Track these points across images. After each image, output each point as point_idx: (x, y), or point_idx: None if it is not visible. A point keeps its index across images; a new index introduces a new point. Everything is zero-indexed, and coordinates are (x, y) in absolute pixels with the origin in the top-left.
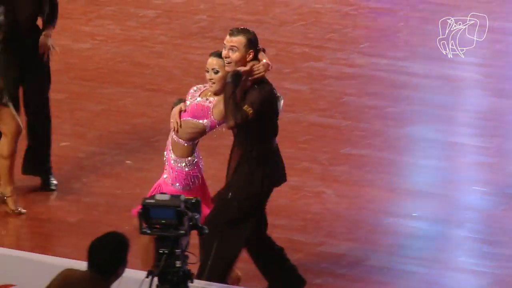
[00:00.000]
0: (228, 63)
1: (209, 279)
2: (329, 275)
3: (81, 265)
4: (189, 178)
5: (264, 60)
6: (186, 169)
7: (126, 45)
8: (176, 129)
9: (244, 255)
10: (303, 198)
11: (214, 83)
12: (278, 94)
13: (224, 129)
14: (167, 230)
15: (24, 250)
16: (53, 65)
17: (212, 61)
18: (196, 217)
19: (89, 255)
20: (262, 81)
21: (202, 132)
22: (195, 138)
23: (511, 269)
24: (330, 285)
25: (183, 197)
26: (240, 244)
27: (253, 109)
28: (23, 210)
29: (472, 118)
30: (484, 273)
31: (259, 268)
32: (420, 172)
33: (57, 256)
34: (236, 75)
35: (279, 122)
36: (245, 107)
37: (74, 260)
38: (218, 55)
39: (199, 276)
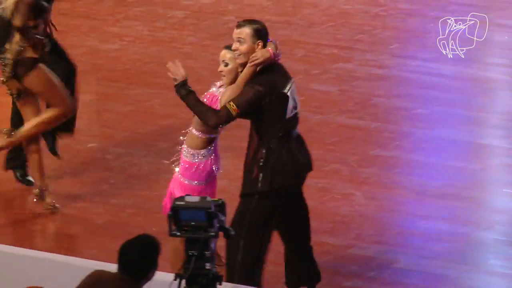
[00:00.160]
0: (238, 55)
1: (239, 281)
2: (358, 278)
3: (108, 267)
4: (197, 171)
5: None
6: (196, 160)
7: (154, 46)
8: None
9: (271, 257)
10: (332, 200)
11: (224, 75)
12: (288, 88)
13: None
14: (197, 232)
15: (51, 252)
16: (81, 66)
17: (223, 54)
18: (222, 218)
19: (119, 257)
20: (265, 70)
21: None
22: (206, 129)
23: None
24: None
25: (209, 198)
26: (266, 243)
27: (237, 106)
28: (57, 205)
29: (501, 120)
30: None
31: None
32: (449, 174)
33: (84, 258)
34: (180, 86)
35: (307, 123)
36: (229, 104)
37: (101, 262)
38: (230, 47)
39: (229, 278)
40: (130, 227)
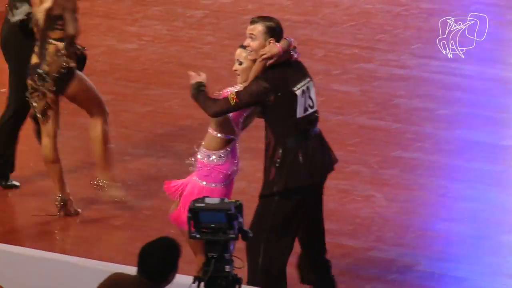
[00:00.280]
0: (250, 52)
1: (259, 285)
2: (378, 281)
3: (126, 269)
4: (212, 173)
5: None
6: (212, 161)
7: (173, 46)
8: None
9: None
10: (352, 202)
11: (238, 74)
12: (300, 86)
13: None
14: (217, 234)
15: (68, 254)
16: (99, 66)
17: (239, 53)
18: (240, 220)
19: (139, 259)
20: (277, 66)
21: (227, 120)
22: (222, 129)
23: None
24: None
25: (226, 200)
26: (288, 246)
27: (237, 97)
28: (79, 210)
29: None
30: None
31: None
32: (471, 175)
33: (102, 260)
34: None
35: (328, 124)
36: (231, 94)
37: (119, 265)
38: (244, 46)
39: (250, 282)
40: (147, 229)
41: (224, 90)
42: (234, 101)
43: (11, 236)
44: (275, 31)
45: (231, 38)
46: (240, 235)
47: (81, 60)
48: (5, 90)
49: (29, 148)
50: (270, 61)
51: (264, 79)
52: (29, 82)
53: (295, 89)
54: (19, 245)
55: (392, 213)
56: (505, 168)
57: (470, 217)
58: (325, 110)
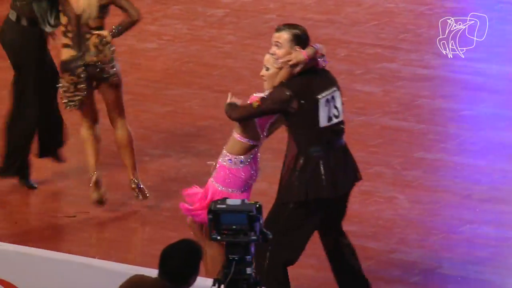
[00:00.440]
0: (276, 59)
1: (265, 286)
2: (401, 283)
3: (145, 271)
4: (230, 177)
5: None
6: (232, 166)
7: (193, 45)
8: None
9: (315, 263)
10: (375, 204)
11: (265, 80)
12: (324, 95)
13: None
14: (238, 236)
15: (87, 256)
16: None
17: (267, 58)
18: (261, 221)
19: (160, 262)
20: (303, 74)
21: (253, 125)
22: (247, 134)
23: None
24: None
25: (246, 201)
26: (294, 254)
27: (260, 101)
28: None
29: None
30: None
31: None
32: (495, 177)
33: (120, 262)
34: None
35: (350, 125)
36: (255, 101)
37: (138, 267)
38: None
39: None
40: (166, 231)
41: (252, 96)
42: (257, 104)
43: (28, 237)
44: (301, 39)
45: (252, 37)
46: (260, 236)
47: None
48: None
49: None
50: (297, 69)
51: (287, 86)
52: (67, 77)
53: (319, 97)
54: (36, 247)
55: (415, 215)
56: None
57: (494, 219)
58: (347, 111)
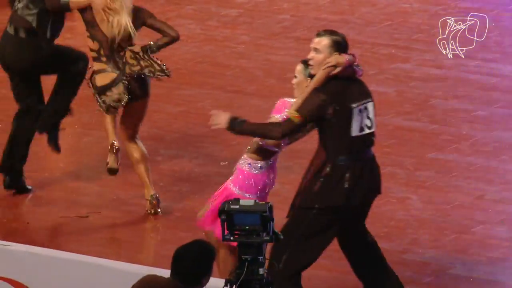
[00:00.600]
0: (312, 65)
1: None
2: (413, 284)
3: (157, 271)
4: (247, 181)
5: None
6: (252, 171)
7: (206, 45)
8: None
9: (328, 263)
10: (387, 204)
11: (295, 88)
12: (358, 104)
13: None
14: (251, 237)
15: (99, 257)
16: None
17: (297, 67)
18: (273, 222)
19: (173, 262)
20: (338, 79)
21: None
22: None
23: None
24: None
25: (256, 201)
26: (309, 260)
27: (299, 113)
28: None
29: None
30: None
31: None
32: (509, 177)
33: (132, 262)
34: (231, 123)
35: None
36: (291, 113)
37: (150, 267)
38: (304, 61)
39: None
40: (179, 231)
41: (280, 102)
42: (297, 119)
43: (39, 238)
44: (340, 45)
45: (265, 37)
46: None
47: None
48: None
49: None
50: (335, 71)
51: (322, 91)
52: (109, 95)
53: (353, 105)
54: (47, 247)
55: (428, 215)
56: None
57: (507, 220)
58: None
